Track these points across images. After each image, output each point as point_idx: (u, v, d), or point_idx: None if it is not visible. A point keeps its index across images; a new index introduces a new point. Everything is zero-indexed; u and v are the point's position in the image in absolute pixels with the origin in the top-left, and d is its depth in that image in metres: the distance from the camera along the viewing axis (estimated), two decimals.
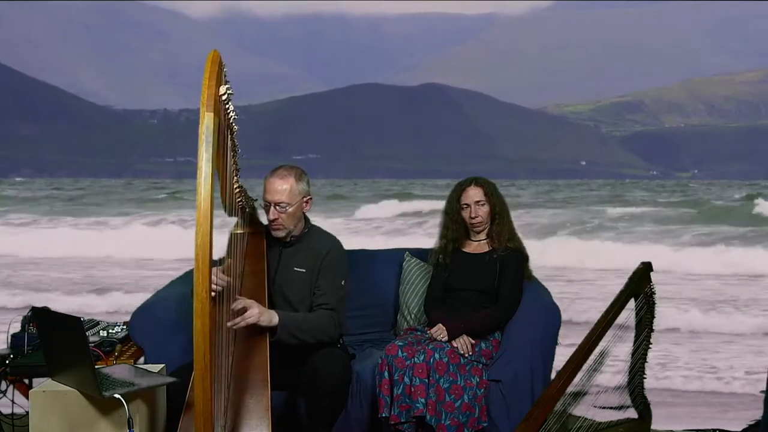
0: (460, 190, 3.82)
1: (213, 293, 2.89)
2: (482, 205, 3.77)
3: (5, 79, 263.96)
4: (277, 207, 3.34)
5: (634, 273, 3.35)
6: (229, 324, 3.03)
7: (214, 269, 2.90)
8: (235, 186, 3.16)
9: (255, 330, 3.15)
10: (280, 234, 3.40)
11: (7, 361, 3.42)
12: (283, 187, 3.33)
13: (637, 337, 3.36)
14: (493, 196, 3.77)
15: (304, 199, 3.40)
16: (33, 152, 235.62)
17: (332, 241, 3.47)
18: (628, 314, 3.32)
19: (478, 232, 3.82)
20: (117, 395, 2.74)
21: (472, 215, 3.77)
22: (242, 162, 3.18)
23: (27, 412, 2.96)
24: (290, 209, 3.35)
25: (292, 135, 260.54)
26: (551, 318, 3.59)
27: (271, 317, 3.15)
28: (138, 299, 4.83)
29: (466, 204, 3.78)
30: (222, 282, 3.06)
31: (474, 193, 3.77)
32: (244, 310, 3.09)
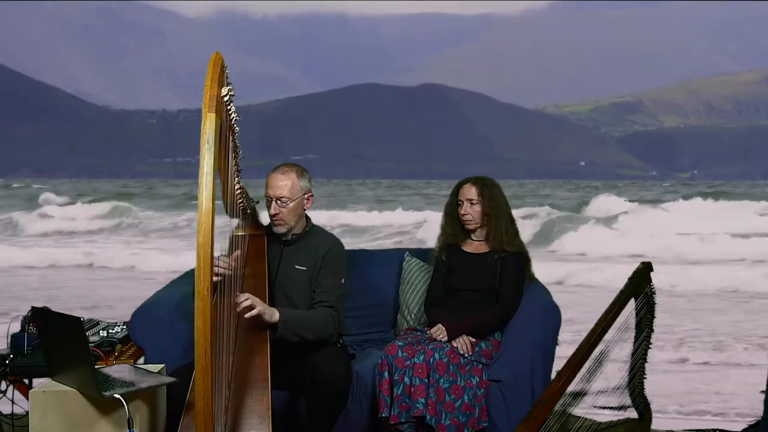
0: (457, 187, 3.85)
1: (216, 277, 2.92)
2: (474, 204, 3.77)
3: (4, 79, 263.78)
4: (278, 202, 3.36)
5: (634, 273, 3.34)
6: (236, 300, 3.07)
7: (216, 257, 2.92)
8: (236, 187, 3.17)
9: (256, 329, 3.16)
10: (281, 230, 3.42)
11: (7, 361, 3.41)
12: (284, 182, 3.36)
13: (637, 337, 3.35)
14: (486, 198, 3.76)
15: (305, 196, 3.42)
16: (31, 153, 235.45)
17: (332, 240, 3.50)
18: (628, 314, 3.32)
19: (470, 230, 3.82)
20: (117, 395, 2.74)
21: (462, 212, 3.79)
22: (240, 162, 3.19)
23: (27, 412, 2.96)
24: (291, 204, 3.37)
25: (291, 135, 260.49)
26: (551, 318, 3.58)
27: (272, 313, 3.17)
28: None
29: (460, 201, 3.81)
30: (224, 265, 3.08)
31: (468, 192, 3.78)
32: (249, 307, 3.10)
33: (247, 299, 3.08)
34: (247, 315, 3.08)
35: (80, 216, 23.84)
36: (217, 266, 3.04)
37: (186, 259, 12.78)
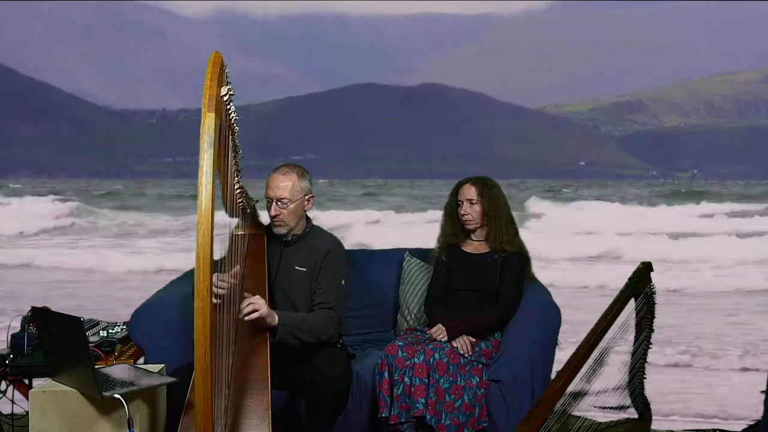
0: (457, 187, 3.86)
1: (215, 299, 2.90)
2: (473, 204, 3.77)
3: (4, 79, 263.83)
4: (279, 203, 3.36)
5: (634, 273, 3.34)
6: (241, 306, 3.07)
7: (215, 274, 2.90)
8: (236, 187, 3.17)
9: (256, 329, 3.15)
10: (282, 231, 3.41)
11: (7, 361, 3.41)
12: (285, 183, 3.35)
13: (637, 337, 3.35)
14: (486, 198, 3.76)
15: (306, 197, 3.41)
16: (31, 153, 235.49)
17: (332, 241, 3.49)
18: (628, 314, 3.32)
19: (470, 230, 3.83)
20: (117, 395, 2.74)
21: (462, 212, 3.80)
22: (240, 162, 3.19)
23: (27, 412, 2.95)
24: (291, 205, 3.36)
25: (291, 135, 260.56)
26: (551, 318, 3.58)
27: (273, 317, 3.16)
28: None
29: (460, 201, 3.82)
30: (223, 283, 3.05)
31: (468, 192, 3.79)
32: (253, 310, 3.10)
33: (250, 304, 3.07)
34: (251, 316, 3.07)
35: (24, 216, 23.28)
36: (216, 285, 3.00)
37: (131, 260, 12.93)
